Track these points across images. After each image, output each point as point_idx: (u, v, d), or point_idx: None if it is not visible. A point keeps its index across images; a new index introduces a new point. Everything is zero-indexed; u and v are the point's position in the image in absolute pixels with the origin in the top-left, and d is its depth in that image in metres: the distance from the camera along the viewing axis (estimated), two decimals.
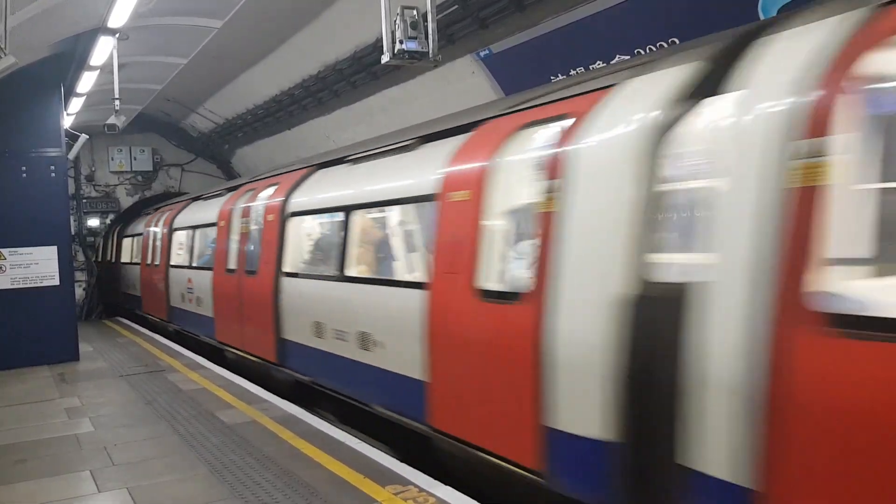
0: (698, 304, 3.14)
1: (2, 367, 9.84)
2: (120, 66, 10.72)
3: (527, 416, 4.08)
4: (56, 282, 10.24)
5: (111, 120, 11.85)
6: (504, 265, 4.68)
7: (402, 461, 5.26)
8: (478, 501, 4.44)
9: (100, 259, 19.87)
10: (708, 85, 3.50)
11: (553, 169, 4.11)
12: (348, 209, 6.68)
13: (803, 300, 2.74)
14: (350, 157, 7.43)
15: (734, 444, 2.95)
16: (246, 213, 9.33)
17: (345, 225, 6.65)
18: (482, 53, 8.66)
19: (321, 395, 7.24)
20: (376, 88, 10.95)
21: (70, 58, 10.53)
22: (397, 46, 6.13)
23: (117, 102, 11.39)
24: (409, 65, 6.49)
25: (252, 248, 8.96)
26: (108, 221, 19.94)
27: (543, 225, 4.10)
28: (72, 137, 13.56)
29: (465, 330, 4.68)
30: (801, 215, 2.80)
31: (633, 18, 6.80)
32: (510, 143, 4.72)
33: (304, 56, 11.41)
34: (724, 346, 3.01)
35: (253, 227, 9.06)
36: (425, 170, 5.54)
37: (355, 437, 5.96)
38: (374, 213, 6.94)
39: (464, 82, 9.24)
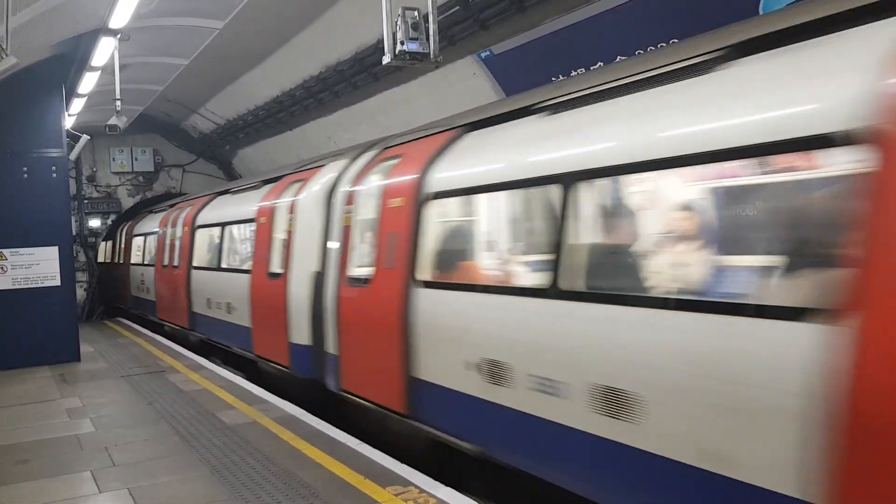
0: (326, 277, 6.94)
1: (3, 368, 9.86)
2: (121, 67, 10.74)
3: (283, 338, 7.73)
4: (57, 282, 10.28)
5: (112, 121, 11.86)
6: (278, 259, 8.17)
7: (401, 461, 5.29)
8: (477, 502, 4.45)
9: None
10: (343, 172, 7.24)
11: (292, 209, 7.87)
12: (223, 224, 10.75)
13: (344, 273, 6.55)
14: (232, 189, 11.69)
15: (330, 336, 6.77)
16: (174, 223, 13.24)
17: (221, 234, 10.71)
18: (483, 55, 8.67)
19: (214, 348, 10.92)
20: (377, 89, 10.96)
21: (71, 58, 10.55)
22: (398, 47, 6.14)
23: (118, 103, 11.40)
24: (410, 66, 6.52)
25: (177, 249, 12.70)
26: (108, 222, 19.97)
27: (288, 237, 7.81)
28: (73, 138, 13.56)
29: (263, 295, 8.48)
30: (345, 240, 6.70)
31: (634, 19, 6.80)
32: (283, 192, 8.51)
33: (305, 57, 11.43)
34: (329, 294, 6.82)
35: (178, 234, 12.79)
36: (255, 203, 9.34)
37: (355, 437, 5.99)
38: (235, 228, 10.50)
39: (465, 83, 9.25)
